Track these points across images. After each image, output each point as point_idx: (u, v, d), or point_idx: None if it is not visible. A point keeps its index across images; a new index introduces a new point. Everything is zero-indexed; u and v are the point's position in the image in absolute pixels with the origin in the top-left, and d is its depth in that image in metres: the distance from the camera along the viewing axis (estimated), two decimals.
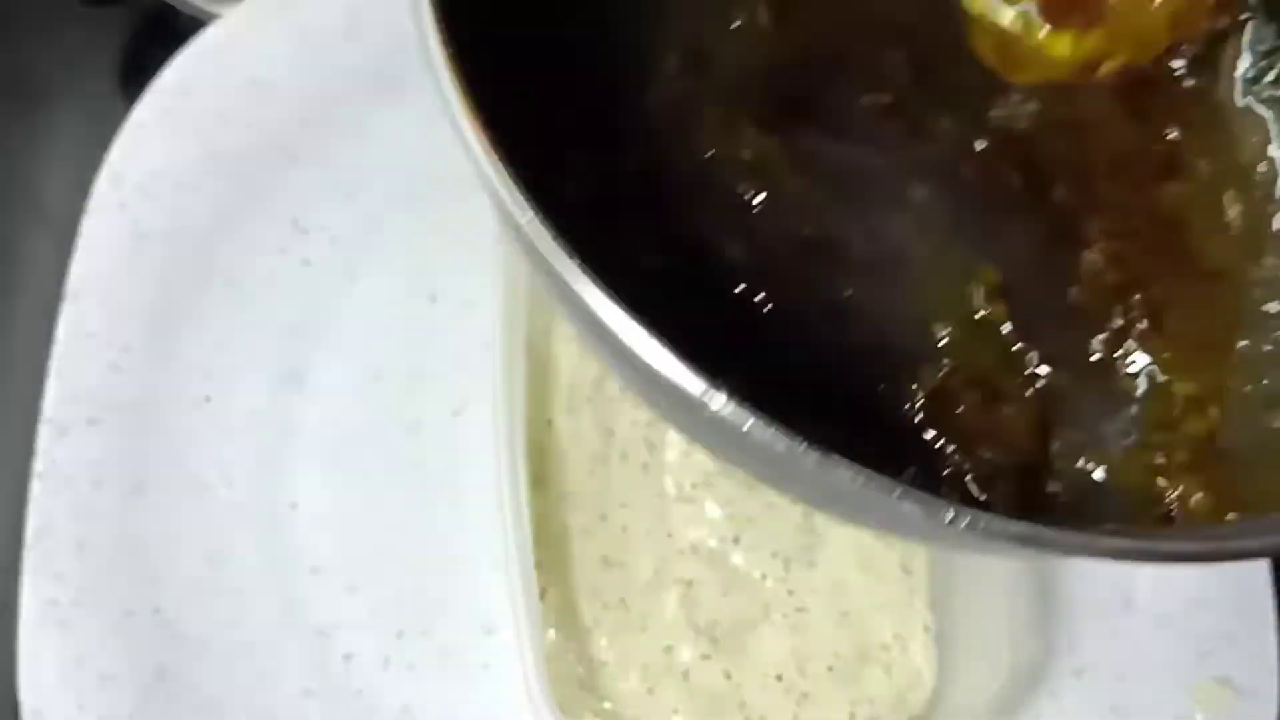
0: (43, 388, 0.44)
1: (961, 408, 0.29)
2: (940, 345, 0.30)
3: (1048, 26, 0.30)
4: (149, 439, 0.44)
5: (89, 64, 0.56)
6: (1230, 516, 0.28)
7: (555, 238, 0.24)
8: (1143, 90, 0.32)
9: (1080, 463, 0.30)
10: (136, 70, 0.55)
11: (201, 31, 0.48)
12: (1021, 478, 0.29)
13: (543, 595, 0.43)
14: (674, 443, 0.46)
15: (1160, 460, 0.29)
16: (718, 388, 0.23)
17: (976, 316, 0.30)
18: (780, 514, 0.45)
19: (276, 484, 0.45)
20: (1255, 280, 0.31)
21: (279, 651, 0.43)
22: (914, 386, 0.30)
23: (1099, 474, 0.30)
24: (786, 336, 0.30)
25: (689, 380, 0.23)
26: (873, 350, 0.30)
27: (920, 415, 0.29)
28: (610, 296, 0.23)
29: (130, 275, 0.46)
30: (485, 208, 0.48)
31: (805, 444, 0.22)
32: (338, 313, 0.47)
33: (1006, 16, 0.31)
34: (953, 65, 0.32)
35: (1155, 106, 0.32)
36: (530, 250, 0.24)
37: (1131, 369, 0.30)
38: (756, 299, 0.30)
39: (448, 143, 0.49)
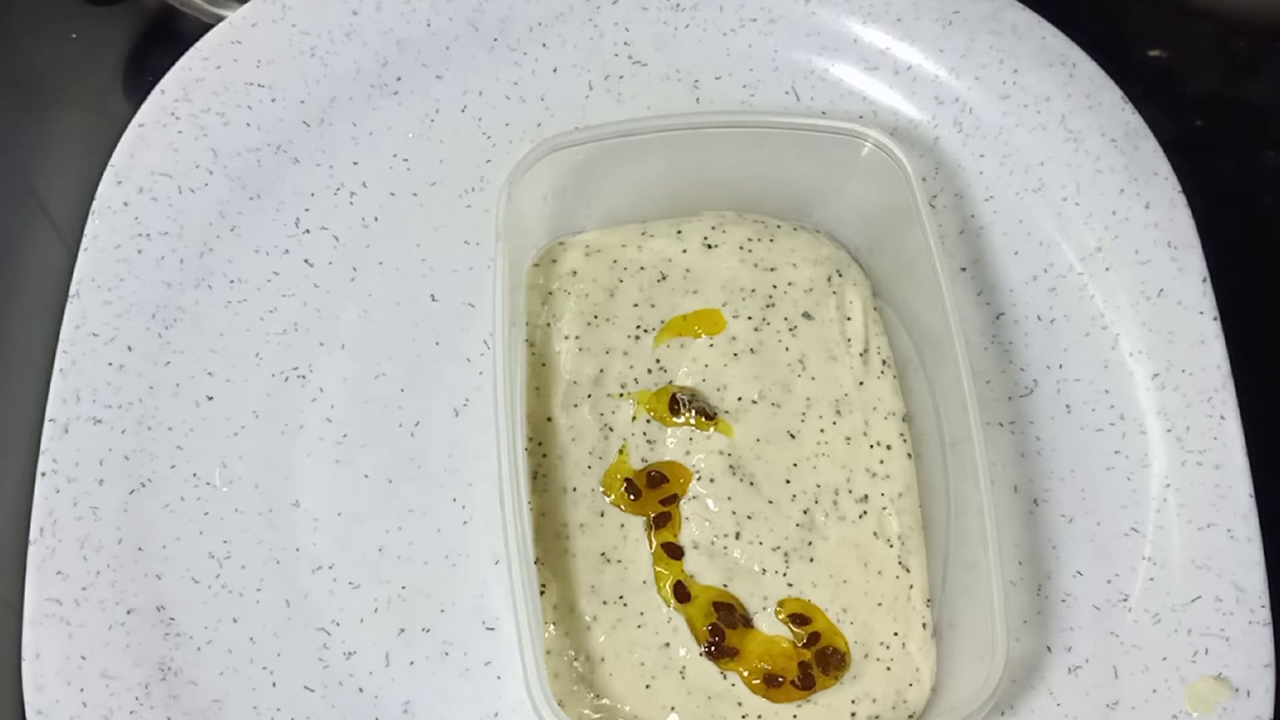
0: (46, 387, 0.44)
1: None
2: None
3: None
4: (151, 438, 0.45)
5: (92, 65, 0.56)
6: None
7: None
8: None
9: None
10: (139, 72, 0.55)
11: (204, 34, 0.48)
12: None
13: (542, 591, 0.44)
14: (673, 438, 0.46)
15: None
16: None
17: None
18: (781, 510, 0.45)
19: (278, 483, 0.45)
20: None
21: (280, 649, 0.43)
22: None
23: None
24: None
25: None
26: None
27: None
28: None
29: (133, 275, 0.46)
30: (485, 207, 0.49)
31: None
32: (338, 312, 0.47)
33: None
34: None
35: None
36: None
37: None
38: None
39: (447, 143, 0.50)
